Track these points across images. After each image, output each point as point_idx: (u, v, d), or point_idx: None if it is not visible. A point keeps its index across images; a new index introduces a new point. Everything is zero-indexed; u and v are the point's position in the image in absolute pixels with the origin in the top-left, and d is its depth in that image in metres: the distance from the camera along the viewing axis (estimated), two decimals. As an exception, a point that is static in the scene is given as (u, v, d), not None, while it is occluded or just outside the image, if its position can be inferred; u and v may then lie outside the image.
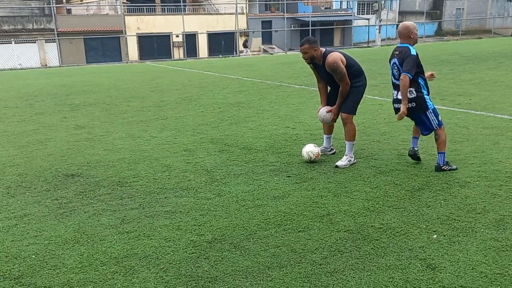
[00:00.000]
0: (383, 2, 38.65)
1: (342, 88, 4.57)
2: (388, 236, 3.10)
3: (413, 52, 4.22)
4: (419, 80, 4.30)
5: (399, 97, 4.29)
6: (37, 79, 15.26)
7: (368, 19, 39.86)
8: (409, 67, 4.15)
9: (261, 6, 38.60)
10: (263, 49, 35.64)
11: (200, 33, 32.25)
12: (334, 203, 3.71)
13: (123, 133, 6.58)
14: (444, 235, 3.07)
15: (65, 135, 6.57)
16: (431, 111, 4.31)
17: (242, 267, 2.78)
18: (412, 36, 4.29)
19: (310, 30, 32.99)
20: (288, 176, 4.40)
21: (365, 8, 42.30)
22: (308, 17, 34.80)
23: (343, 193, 3.91)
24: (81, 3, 34.77)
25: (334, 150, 5.13)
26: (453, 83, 9.95)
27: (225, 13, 33.79)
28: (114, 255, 2.99)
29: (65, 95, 10.86)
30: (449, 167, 4.34)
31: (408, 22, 4.38)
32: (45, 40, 27.99)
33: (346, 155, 4.70)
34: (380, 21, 35.69)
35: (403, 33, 4.31)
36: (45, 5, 29.28)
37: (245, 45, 32.72)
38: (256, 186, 4.17)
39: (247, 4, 34.64)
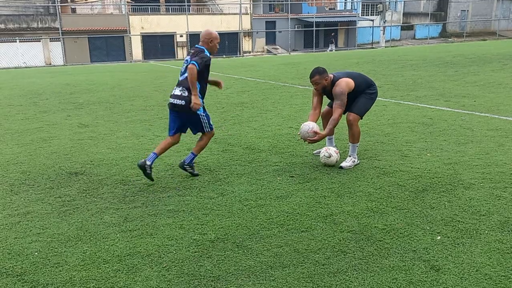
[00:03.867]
0: (387, 3, 38.58)
1: (334, 115, 4.49)
2: (392, 237, 3.08)
3: (207, 52, 4.32)
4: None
5: (177, 93, 4.35)
6: (42, 78, 15.30)
7: (373, 20, 39.80)
8: (198, 61, 4.19)
9: (265, 6, 38.60)
10: (267, 49, 35.63)
11: (204, 33, 32.23)
12: (337, 203, 3.69)
13: (127, 131, 6.58)
14: (448, 237, 3.05)
15: (69, 133, 6.58)
16: (204, 116, 4.40)
17: (245, 266, 2.77)
18: (211, 44, 4.37)
19: (314, 31, 32.94)
20: (291, 176, 4.39)
21: (370, 9, 42.23)
22: (312, 17, 34.77)
23: (347, 193, 3.90)
24: (86, 3, 34.86)
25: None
26: (458, 85, 9.92)
27: (229, 13, 33.81)
28: (116, 253, 2.98)
29: (69, 93, 10.89)
30: (191, 170, 4.46)
31: (213, 31, 4.45)
32: (50, 39, 28.10)
33: (350, 156, 4.69)
34: (384, 22, 35.61)
35: (204, 38, 4.37)
36: (50, 4, 29.37)
37: (331, 41, 33.12)
38: (259, 186, 4.16)
39: (251, 5, 34.64)
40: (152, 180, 4.29)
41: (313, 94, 4.79)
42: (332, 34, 35.09)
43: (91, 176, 4.58)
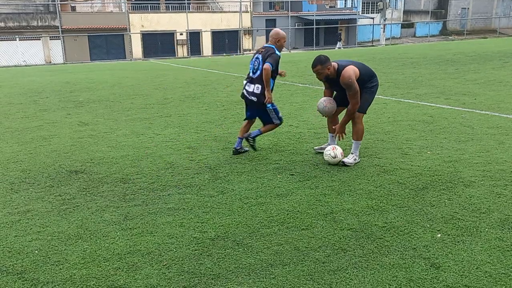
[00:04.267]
0: (388, 1, 38.49)
1: (351, 107, 4.50)
2: (392, 235, 3.08)
3: (277, 52, 4.82)
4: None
5: (250, 90, 4.91)
6: (41, 76, 15.30)
7: (373, 18, 39.74)
8: (271, 61, 4.71)
9: (266, 4, 38.53)
10: (267, 47, 35.50)
11: (204, 31, 32.24)
12: (338, 201, 3.69)
13: (127, 130, 6.58)
14: (449, 234, 3.05)
15: (69, 131, 6.58)
16: (273, 110, 4.93)
17: (245, 264, 2.77)
18: (278, 44, 4.86)
19: (314, 29, 32.90)
20: (292, 174, 4.39)
21: (370, 7, 42.16)
22: (313, 15, 34.71)
23: (347, 191, 3.90)
24: (86, 1, 34.80)
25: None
26: (458, 83, 9.91)
27: (229, 11, 33.76)
28: (117, 251, 2.98)
29: (69, 92, 10.88)
30: (253, 143, 5.04)
31: (280, 30, 4.96)
32: (50, 37, 28.07)
33: (352, 153, 4.68)
34: (384, 20, 35.55)
35: (272, 37, 4.89)
36: (50, 2, 29.33)
37: (339, 39, 33.20)
38: (259, 184, 4.16)
39: (251, 3, 34.59)
40: (255, 149, 5.11)
41: (323, 82, 4.79)
42: (340, 31, 35.11)
43: (91, 175, 4.58)
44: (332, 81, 4.61)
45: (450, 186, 3.90)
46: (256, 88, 4.84)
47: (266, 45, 4.91)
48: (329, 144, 5.05)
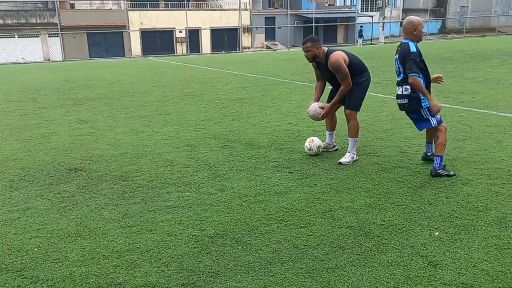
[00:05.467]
0: (387, -1, 38.48)
1: (343, 87, 4.58)
2: (390, 233, 3.10)
3: (412, 49, 4.07)
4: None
5: (399, 92, 4.30)
6: (40, 73, 15.28)
7: (372, 16, 39.69)
8: (411, 67, 4.02)
9: (265, 2, 38.48)
10: (266, 45, 35.56)
11: (203, 29, 32.20)
12: (336, 199, 3.71)
13: (126, 127, 6.59)
14: (446, 233, 3.06)
15: (68, 129, 6.58)
16: (426, 108, 4.15)
17: (244, 262, 2.79)
18: (415, 33, 4.13)
19: (313, 27, 32.88)
20: (290, 172, 4.40)
21: (369, 5, 42.13)
22: (312, 13, 34.68)
23: (345, 189, 3.91)
24: (85, -2, 34.70)
25: (337, 146, 5.12)
26: (456, 81, 9.92)
27: (228, 9, 33.71)
28: (116, 249, 3.00)
29: (68, 89, 10.87)
30: (446, 172, 4.10)
31: (413, 17, 4.20)
32: (48, 34, 28.01)
33: (349, 152, 4.70)
34: (383, 18, 35.53)
35: (406, 28, 4.16)
36: (49, 0, 29.25)
37: (360, 35, 33.26)
38: (258, 181, 4.18)
39: (251, 0, 34.54)
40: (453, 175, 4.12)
41: (313, 67, 4.84)
42: (361, 28, 35.15)
43: (90, 172, 4.59)
44: (322, 66, 4.68)
45: (448, 184, 3.92)
46: (405, 89, 4.19)
47: (403, 41, 4.21)
48: (327, 143, 5.07)
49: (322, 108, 4.72)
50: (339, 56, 4.49)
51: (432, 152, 4.46)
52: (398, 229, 3.14)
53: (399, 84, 4.27)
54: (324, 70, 4.67)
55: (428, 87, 4.24)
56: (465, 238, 2.98)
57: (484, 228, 3.11)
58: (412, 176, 4.15)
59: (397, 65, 4.25)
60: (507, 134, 5.43)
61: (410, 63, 4.04)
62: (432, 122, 4.18)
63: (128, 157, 5.08)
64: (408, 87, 4.15)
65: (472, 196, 3.66)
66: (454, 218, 3.28)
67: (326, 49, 4.62)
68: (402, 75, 4.19)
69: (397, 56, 4.24)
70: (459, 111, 6.87)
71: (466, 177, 4.07)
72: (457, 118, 6.36)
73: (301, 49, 4.73)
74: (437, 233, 3.06)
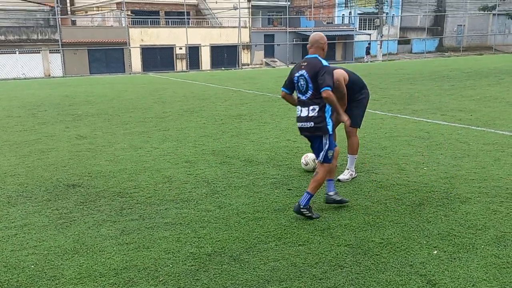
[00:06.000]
0: (384, 18, 39.00)
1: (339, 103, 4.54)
2: (389, 251, 3.08)
3: (325, 63, 3.76)
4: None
5: (303, 114, 3.79)
6: (41, 89, 15.35)
7: (370, 34, 40.17)
8: (325, 79, 3.66)
9: (264, 20, 38.96)
10: (265, 62, 35.86)
11: (203, 46, 32.49)
12: (335, 217, 3.70)
13: (125, 143, 6.59)
14: (445, 251, 3.05)
15: (67, 145, 6.59)
16: (329, 136, 3.78)
17: (241, 280, 2.77)
18: (324, 49, 3.86)
19: (312, 44, 33.14)
20: (289, 189, 4.40)
21: (367, 23, 42.67)
22: (310, 31, 35.08)
23: (344, 207, 3.90)
24: (86, 15, 35.15)
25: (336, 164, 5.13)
26: (454, 99, 9.99)
27: (228, 27, 34.10)
28: (113, 266, 2.97)
29: (67, 105, 10.91)
30: (310, 214, 3.64)
31: (322, 33, 3.93)
32: (49, 50, 28.22)
33: (348, 169, 4.71)
34: (381, 36, 35.96)
35: (318, 43, 3.83)
36: (51, 16, 29.59)
37: (368, 52, 33.61)
38: (256, 198, 4.17)
39: (250, 18, 34.97)
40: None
41: None
42: (368, 45, 35.68)
43: (88, 188, 4.58)
44: None
45: (447, 202, 3.92)
46: (312, 110, 3.77)
47: (308, 56, 3.87)
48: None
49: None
50: (339, 74, 4.50)
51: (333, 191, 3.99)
52: (397, 248, 3.13)
53: (305, 104, 3.78)
54: None
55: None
56: (464, 257, 2.97)
57: (483, 246, 3.10)
58: (410, 194, 4.15)
59: (301, 82, 3.78)
60: (505, 152, 5.45)
61: (324, 75, 3.65)
62: (321, 156, 3.78)
63: (127, 173, 5.08)
64: (316, 107, 3.73)
65: (471, 214, 3.66)
66: (453, 236, 3.27)
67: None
68: (310, 91, 3.72)
69: (302, 72, 3.77)
70: (457, 128, 6.90)
71: (465, 195, 4.07)
72: (455, 136, 6.40)
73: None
74: (436, 252, 3.05)
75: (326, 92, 3.65)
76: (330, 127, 3.78)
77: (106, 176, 4.99)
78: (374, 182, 4.52)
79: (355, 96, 4.66)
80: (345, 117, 3.89)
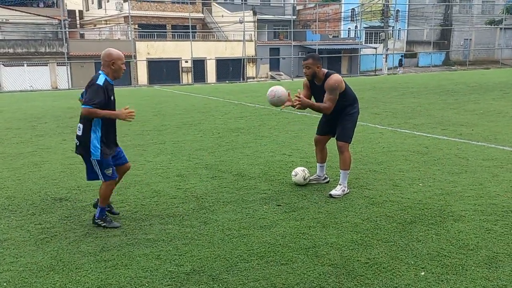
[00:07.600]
0: (390, 31, 39.06)
1: (323, 106, 4.45)
2: (374, 272, 2.96)
3: (99, 81, 3.68)
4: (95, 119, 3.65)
5: (78, 132, 3.75)
6: (45, 101, 15.45)
7: (375, 48, 40.18)
8: (90, 96, 3.58)
9: (270, 33, 39.18)
10: (271, 75, 35.96)
11: (209, 59, 32.71)
12: (322, 234, 3.58)
13: (119, 157, 6.53)
14: (433, 273, 2.92)
15: (61, 157, 6.55)
16: (95, 161, 3.74)
17: (218, 301, 2.66)
18: (113, 67, 3.79)
19: (317, 58, 33.20)
20: (278, 205, 4.29)
21: (373, 37, 42.73)
22: (316, 45, 35.20)
23: (332, 224, 3.79)
24: (93, 28, 35.64)
25: (328, 178, 5.02)
26: (457, 113, 9.85)
27: (233, 40, 34.34)
28: (87, 285, 2.88)
29: (68, 117, 10.93)
30: (106, 224, 3.74)
31: (114, 50, 3.86)
32: (57, 63, 28.57)
33: (340, 184, 4.59)
34: (387, 50, 35.96)
35: (104, 60, 3.84)
36: (59, 30, 30.02)
37: (400, 64, 33.95)
38: (244, 214, 4.07)
39: (256, 32, 35.20)
40: None
41: (303, 85, 4.78)
42: (401, 57, 36.10)
43: (75, 202, 4.51)
44: (316, 88, 4.61)
45: (439, 220, 3.79)
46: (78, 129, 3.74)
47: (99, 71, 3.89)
48: (318, 175, 4.98)
49: (298, 98, 4.27)
50: (339, 81, 4.47)
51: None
52: (383, 268, 3.00)
53: (80, 120, 3.73)
54: (318, 92, 4.61)
55: (114, 139, 3.95)
56: (452, 279, 2.83)
57: (473, 268, 2.96)
58: (402, 211, 4.02)
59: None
60: (504, 168, 5.30)
61: (91, 92, 3.59)
62: (100, 177, 3.78)
63: (116, 186, 5.00)
64: (81, 126, 3.66)
65: (463, 233, 3.52)
66: (442, 257, 3.13)
67: (326, 71, 4.60)
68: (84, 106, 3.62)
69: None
70: (457, 143, 6.76)
71: (459, 213, 3.93)
72: (454, 151, 6.26)
73: (302, 65, 4.70)
74: (423, 273, 2.92)
75: (86, 110, 3.57)
76: (94, 153, 3.69)
77: (95, 190, 4.91)
78: (366, 198, 4.40)
79: (348, 109, 4.58)
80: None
